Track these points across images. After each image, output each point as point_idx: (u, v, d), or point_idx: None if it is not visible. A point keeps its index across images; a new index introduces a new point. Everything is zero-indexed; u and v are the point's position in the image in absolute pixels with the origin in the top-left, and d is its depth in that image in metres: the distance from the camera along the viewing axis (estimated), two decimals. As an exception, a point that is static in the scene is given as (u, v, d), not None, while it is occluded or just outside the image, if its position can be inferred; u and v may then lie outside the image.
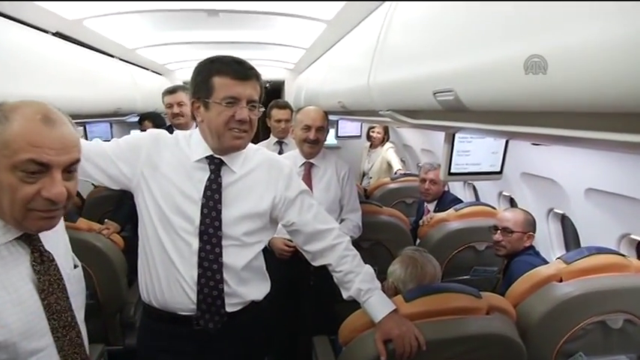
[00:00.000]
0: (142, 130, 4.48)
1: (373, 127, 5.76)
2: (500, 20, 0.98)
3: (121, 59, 4.29)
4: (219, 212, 1.80)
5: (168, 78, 6.12)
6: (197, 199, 1.79)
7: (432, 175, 3.87)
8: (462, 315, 1.87)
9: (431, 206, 3.94)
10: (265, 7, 3.16)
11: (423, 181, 3.94)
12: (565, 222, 3.31)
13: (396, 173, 5.32)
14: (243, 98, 1.73)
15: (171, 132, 2.73)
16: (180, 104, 3.67)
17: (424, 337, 1.75)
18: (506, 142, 2.00)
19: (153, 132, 1.93)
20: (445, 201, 3.86)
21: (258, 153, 1.95)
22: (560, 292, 2.08)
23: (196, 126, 1.89)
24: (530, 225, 2.79)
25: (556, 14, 0.80)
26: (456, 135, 1.93)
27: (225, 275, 1.81)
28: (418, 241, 3.58)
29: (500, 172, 2.06)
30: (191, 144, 1.85)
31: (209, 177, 1.81)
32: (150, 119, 4.45)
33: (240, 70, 1.73)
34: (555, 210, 3.26)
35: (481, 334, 1.84)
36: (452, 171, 1.99)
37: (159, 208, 1.80)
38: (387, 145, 5.77)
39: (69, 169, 1.28)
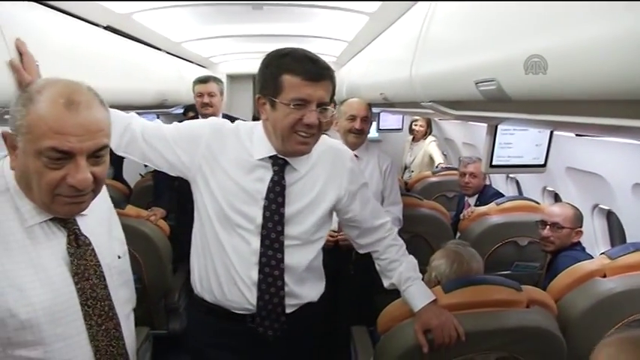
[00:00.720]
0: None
1: (416, 121, 5.73)
2: (542, 8, 0.99)
3: (168, 52, 4.39)
4: (283, 215, 1.72)
5: (212, 71, 6.19)
6: (259, 198, 1.72)
7: (471, 168, 3.86)
8: (501, 307, 1.86)
9: (471, 200, 3.92)
10: (309, 1, 3.19)
11: (463, 174, 3.94)
12: (611, 218, 3.24)
13: (437, 167, 5.30)
14: (313, 101, 1.59)
15: None
16: (210, 94, 3.66)
17: (463, 328, 1.75)
18: (551, 134, 1.98)
19: (213, 121, 1.84)
20: (486, 195, 3.84)
21: (321, 143, 1.79)
22: (604, 287, 2.05)
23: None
24: (579, 220, 2.75)
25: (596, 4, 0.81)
26: (498, 127, 1.92)
27: (285, 277, 1.76)
28: (458, 234, 3.57)
29: (544, 166, 2.04)
30: (253, 140, 1.74)
31: (272, 178, 1.72)
32: (194, 110, 4.58)
33: (314, 69, 1.58)
34: (601, 206, 3.19)
35: (521, 327, 1.82)
36: (493, 163, 1.98)
37: (217, 203, 1.73)
38: (430, 138, 5.73)
39: (96, 154, 1.24)
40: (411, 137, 5.97)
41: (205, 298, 1.83)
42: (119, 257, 1.48)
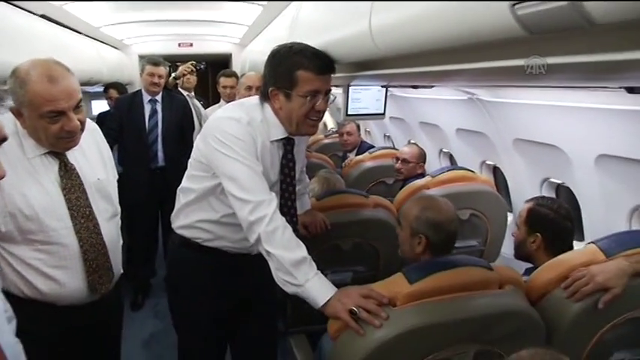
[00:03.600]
0: (107, 98, 5.18)
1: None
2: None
3: (88, 36, 4.89)
4: (295, 186, 2.07)
5: (124, 52, 6.72)
6: (275, 178, 2.00)
7: (347, 128, 4.77)
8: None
9: (352, 155, 4.77)
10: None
11: (341, 134, 4.83)
12: (497, 173, 3.80)
13: (329, 131, 6.15)
14: (322, 91, 1.84)
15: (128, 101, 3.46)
16: (160, 76, 4.08)
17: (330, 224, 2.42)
18: (386, 91, 2.85)
19: (247, 135, 1.86)
20: (363, 148, 4.70)
21: None
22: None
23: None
24: (422, 157, 3.64)
25: None
26: (350, 87, 2.75)
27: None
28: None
29: (383, 114, 2.91)
30: (270, 125, 1.92)
31: (285, 155, 2.00)
32: (115, 87, 5.18)
33: (323, 65, 1.84)
34: (487, 162, 3.83)
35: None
36: (349, 113, 2.82)
37: None
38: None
39: (77, 106, 1.72)
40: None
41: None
42: (98, 179, 1.95)
